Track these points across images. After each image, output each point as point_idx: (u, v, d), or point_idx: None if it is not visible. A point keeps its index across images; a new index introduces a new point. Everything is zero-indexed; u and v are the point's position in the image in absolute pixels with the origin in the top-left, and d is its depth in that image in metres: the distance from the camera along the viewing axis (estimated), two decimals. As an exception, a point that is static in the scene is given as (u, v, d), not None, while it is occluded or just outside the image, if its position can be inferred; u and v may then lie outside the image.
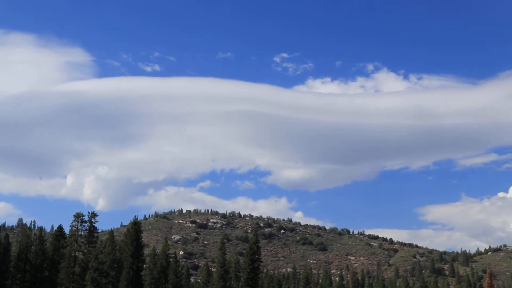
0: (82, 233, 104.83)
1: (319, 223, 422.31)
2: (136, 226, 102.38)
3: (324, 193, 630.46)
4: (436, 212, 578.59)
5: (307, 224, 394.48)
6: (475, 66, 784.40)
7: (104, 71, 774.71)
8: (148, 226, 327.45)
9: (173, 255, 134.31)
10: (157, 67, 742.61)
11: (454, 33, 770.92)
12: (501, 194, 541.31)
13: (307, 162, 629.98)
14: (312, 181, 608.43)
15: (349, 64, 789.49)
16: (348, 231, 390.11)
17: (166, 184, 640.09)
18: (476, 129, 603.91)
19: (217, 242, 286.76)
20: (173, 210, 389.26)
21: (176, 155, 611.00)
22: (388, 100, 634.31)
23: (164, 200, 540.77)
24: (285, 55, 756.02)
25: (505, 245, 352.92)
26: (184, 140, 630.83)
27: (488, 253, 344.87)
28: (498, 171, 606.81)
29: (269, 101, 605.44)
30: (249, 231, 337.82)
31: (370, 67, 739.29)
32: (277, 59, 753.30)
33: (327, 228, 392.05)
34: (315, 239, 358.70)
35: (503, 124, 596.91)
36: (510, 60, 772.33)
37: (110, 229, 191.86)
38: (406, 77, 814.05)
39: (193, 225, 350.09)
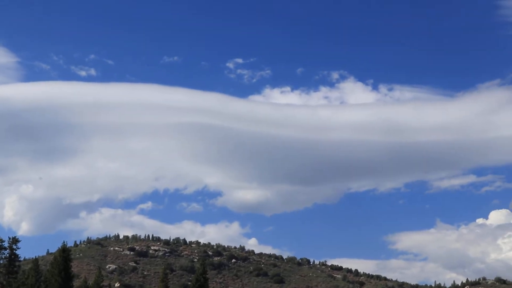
0: (1, 261, 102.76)
1: (276, 251, 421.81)
2: (64, 254, 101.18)
3: (281, 218, 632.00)
4: (407, 240, 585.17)
5: (262, 253, 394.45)
6: (452, 77, 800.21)
7: (31, 75, 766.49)
8: (79, 254, 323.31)
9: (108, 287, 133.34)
10: (92, 71, 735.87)
11: (429, 41, 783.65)
12: (480, 221, 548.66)
13: (262, 182, 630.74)
14: (268, 204, 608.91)
15: (312, 72, 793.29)
16: (308, 261, 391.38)
17: (101, 205, 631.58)
18: (453, 147, 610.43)
19: (158, 272, 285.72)
20: (108, 236, 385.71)
21: (113, 173, 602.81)
22: (354, 113, 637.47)
23: (98, 224, 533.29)
24: (239, 60, 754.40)
25: (484, 278, 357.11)
26: (122, 156, 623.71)
27: (466, 287, 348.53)
28: (476, 195, 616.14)
29: (221, 112, 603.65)
30: (195, 260, 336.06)
31: (335, 75, 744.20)
32: (230, 65, 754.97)
33: (284, 258, 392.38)
34: (270, 269, 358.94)
35: (482, 142, 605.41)
36: (490, 71, 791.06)
37: (34, 257, 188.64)
38: (375, 87, 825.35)
39: (131, 253, 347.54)
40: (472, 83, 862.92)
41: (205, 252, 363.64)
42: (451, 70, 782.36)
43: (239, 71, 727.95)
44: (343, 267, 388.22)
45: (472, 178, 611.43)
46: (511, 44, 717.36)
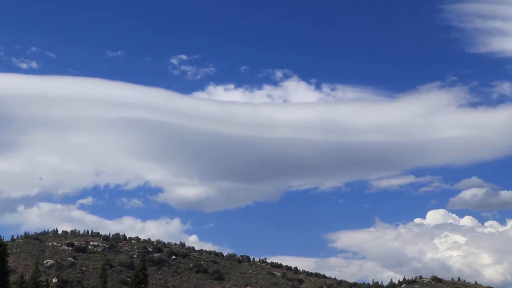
0: None
1: (216, 248, 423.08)
2: (1, 249, 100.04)
3: (222, 215, 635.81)
4: (346, 238, 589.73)
5: (202, 250, 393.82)
6: (393, 78, 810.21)
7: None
8: (16, 249, 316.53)
9: (45, 283, 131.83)
10: (34, 64, 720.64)
11: (372, 42, 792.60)
12: (417, 220, 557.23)
13: (204, 179, 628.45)
14: (209, 201, 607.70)
15: (256, 70, 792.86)
16: (248, 258, 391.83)
17: (40, 200, 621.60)
18: (393, 147, 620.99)
19: (97, 268, 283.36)
20: (46, 231, 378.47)
21: (53, 167, 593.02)
22: (297, 112, 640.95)
23: (37, 219, 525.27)
24: (183, 56, 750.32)
25: (420, 277, 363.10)
26: (63, 150, 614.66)
27: (402, 286, 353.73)
28: (415, 195, 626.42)
29: (164, 108, 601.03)
30: (135, 256, 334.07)
31: (279, 74, 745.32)
32: (174, 61, 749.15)
33: (224, 255, 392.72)
34: (210, 266, 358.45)
35: (422, 143, 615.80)
36: (430, 73, 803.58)
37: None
38: (318, 87, 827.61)
39: (70, 248, 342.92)
40: (412, 85, 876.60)
41: (145, 248, 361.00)
42: (392, 71, 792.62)
43: (183, 67, 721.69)
44: (283, 265, 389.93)
45: (411, 179, 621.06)
46: (452, 47, 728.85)
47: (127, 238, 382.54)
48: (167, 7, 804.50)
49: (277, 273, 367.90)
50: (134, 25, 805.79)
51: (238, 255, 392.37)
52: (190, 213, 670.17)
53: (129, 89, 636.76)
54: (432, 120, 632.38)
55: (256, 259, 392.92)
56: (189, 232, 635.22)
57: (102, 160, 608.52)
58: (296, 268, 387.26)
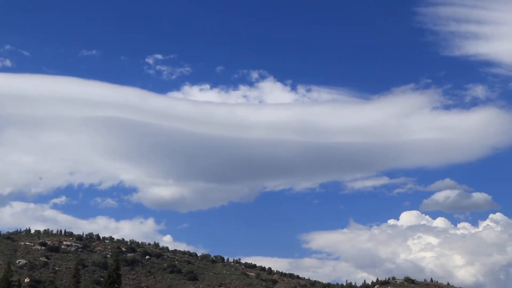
0: None
1: (190, 248, 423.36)
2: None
3: (197, 215, 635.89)
4: (321, 239, 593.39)
5: (176, 250, 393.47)
6: (368, 80, 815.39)
7: None
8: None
9: (17, 283, 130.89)
10: (7, 62, 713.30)
11: (347, 44, 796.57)
12: (391, 222, 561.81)
13: (178, 179, 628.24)
14: (183, 201, 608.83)
15: (231, 71, 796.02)
16: (223, 259, 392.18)
17: (12, 199, 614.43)
18: (367, 149, 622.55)
19: (70, 268, 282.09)
20: (19, 230, 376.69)
21: (27, 166, 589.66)
22: (272, 113, 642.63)
23: (9, 218, 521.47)
24: (159, 56, 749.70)
25: (393, 278, 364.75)
26: (37, 149, 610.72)
27: (375, 286, 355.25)
28: (389, 196, 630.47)
29: (139, 107, 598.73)
30: (108, 256, 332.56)
31: (254, 75, 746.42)
32: (150, 61, 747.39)
33: (198, 255, 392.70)
34: (184, 266, 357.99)
35: (396, 145, 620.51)
36: (404, 75, 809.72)
37: None
38: (293, 88, 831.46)
39: (43, 248, 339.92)
40: (387, 87, 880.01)
41: (118, 248, 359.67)
42: (367, 73, 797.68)
43: (158, 67, 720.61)
44: (257, 265, 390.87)
45: (385, 180, 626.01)
46: (426, 50, 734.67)
47: (101, 238, 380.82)
48: (143, 7, 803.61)
49: (251, 274, 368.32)
50: (110, 25, 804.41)
51: (212, 256, 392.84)
52: (164, 213, 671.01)
53: (104, 88, 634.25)
54: (406, 122, 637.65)
55: (230, 260, 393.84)
56: (163, 232, 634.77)
57: (76, 159, 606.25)
58: (270, 268, 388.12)
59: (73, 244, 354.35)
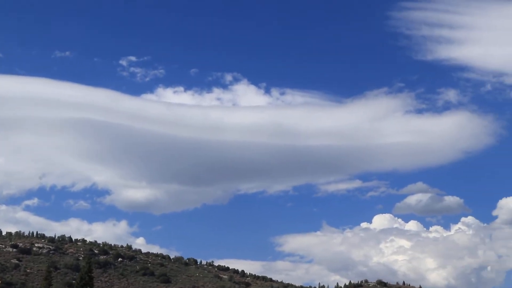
0: None
1: (163, 251, 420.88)
2: None
3: (170, 217, 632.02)
4: (294, 242, 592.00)
5: (149, 252, 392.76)
6: (342, 83, 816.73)
7: None
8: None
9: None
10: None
11: (321, 47, 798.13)
12: (364, 225, 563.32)
13: (152, 182, 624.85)
14: (157, 203, 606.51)
15: (205, 73, 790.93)
16: (196, 261, 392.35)
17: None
18: (340, 152, 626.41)
19: (42, 270, 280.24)
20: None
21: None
22: (246, 115, 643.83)
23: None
24: (133, 58, 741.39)
25: (366, 281, 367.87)
26: (8, 150, 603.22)
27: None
28: (362, 199, 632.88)
29: (113, 109, 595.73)
30: (81, 258, 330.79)
31: (228, 77, 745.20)
32: (123, 63, 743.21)
33: (171, 257, 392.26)
34: (157, 269, 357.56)
35: (369, 148, 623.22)
36: (377, 79, 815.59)
37: None
38: (267, 91, 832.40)
39: (14, 250, 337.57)
40: (360, 90, 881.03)
41: (91, 251, 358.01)
42: (341, 76, 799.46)
43: (132, 69, 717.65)
44: (230, 268, 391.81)
45: (358, 183, 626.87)
46: (399, 54, 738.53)
47: (73, 240, 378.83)
48: (117, 8, 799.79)
49: (224, 276, 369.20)
50: (84, 26, 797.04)
51: (185, 258, 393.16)
52: (137, 216, 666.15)
53: (77, 90, 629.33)
54: (379, 125, 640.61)
55: (203, 262, 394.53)
56: (137, 235, 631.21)
57: (48, 161, 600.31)
58: (243, 271, 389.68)
59: (45, 246, 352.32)
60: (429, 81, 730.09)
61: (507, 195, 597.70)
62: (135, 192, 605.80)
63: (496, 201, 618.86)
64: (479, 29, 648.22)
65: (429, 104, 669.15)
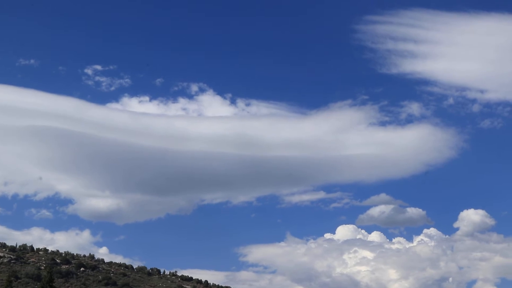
0: None
1: (127, 261, 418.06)
2: None
3: (133, 227, 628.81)
4: (258, 252, 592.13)
5: (112, 262, 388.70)
6: (306, 95, 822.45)
7: None
8: None
9: None
10: None
11: (286, 59, 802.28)
12: (327, 236, 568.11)
13: (115, 191, 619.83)
14: (120, 213, 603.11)
15: (171, 83, 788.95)
16: (159, 271, 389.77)
17: None
18: (304, 163, 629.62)
19: (2, 280, 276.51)
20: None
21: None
22: (211, 126, 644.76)
23: None
24: (98, 67, 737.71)
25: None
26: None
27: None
28: (325, 211, 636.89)
29: (77, 118, 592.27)
30: (42, 267, 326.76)
31: (194, 88, 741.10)
32: (88, 71, 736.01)
33: (134, 267, 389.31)
34: (120, 279, 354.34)
35: (333, 160, 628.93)
36: (342, 91, 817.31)
37: None
38: (233, 101, 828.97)
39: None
40: (325, 102, 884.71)
41: (53, 260, 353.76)
42: (305, 88, 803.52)
43: (97, 78, 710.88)
44: (193, 278, 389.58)
45: (321, 194, 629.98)
46: (364, 67, 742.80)
47: (35, 249, 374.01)
48: (82, 15, 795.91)
49: (187, 286, 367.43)
50: (49, 34, 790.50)
51: (148, 268, 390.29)
52: (100, 225, 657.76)
53: (41, 98, 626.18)
54: (343, 137, 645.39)
55: (167, 272, 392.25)
56: (100, 244, 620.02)
57: (10, 169, 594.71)
58: (206, 281, 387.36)
59: (6, 255, 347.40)
60: (393, 94, 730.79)
61: (467, 207, 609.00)
62: (98, 202, 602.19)
63: (457, 213, 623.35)
64: (443, 44, 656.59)
65: (392, 117, 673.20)
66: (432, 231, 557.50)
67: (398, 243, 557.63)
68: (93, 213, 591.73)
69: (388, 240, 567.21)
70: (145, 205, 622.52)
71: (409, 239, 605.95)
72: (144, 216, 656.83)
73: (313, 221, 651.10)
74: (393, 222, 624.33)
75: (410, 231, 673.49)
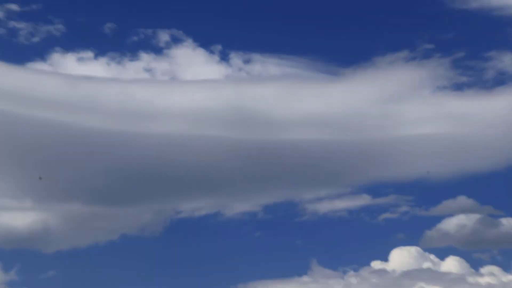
0: None
1: None
2: None
3: (69, 257, 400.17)
4: None
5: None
6: (338, 46, 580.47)
7: None
8: None
9: None
10: None
11: None
12: (377, 264, 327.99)
13: (40, 200, 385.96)
14: (48, 235, 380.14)
15: (128, 31, 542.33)
16: None
17: None
18: (336, 151, 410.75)
19: None
20: None
21: None
22: (191, 95, 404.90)
23: None
24: (14, 7, 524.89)
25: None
26: None
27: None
28: (372, 225, 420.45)
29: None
30: None
31: (164, 37, 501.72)
32: None
33: None
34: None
35: (381, 145, 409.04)
36: (393, 39, 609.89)
37: None
38: (224, 57, 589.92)
39: None
40: (367, 56, 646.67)
41: None
42: (336, 35, 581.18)
43: (12, 23, 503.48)
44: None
45: (365, 200, 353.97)
46: (426, 1, 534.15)
47: None
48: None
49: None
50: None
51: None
52: (17, 255, 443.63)
53: None
54: (397, 109, 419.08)
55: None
56: (16, 285, 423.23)
57: None
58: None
59: None
60: (474, 40, 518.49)
61: None
62: (14, 217, 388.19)
63: None
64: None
65: (473, 76, 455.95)
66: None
67: (489, 274, 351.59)
68: (6, 235, 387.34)
69: (473, 270, 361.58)
70: (88, 221, 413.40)
71: (507, 268, 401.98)
72: (87, 239, 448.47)
73: (353, 242, 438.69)
74: (480, 242, 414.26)
75: (507, 255, 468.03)
